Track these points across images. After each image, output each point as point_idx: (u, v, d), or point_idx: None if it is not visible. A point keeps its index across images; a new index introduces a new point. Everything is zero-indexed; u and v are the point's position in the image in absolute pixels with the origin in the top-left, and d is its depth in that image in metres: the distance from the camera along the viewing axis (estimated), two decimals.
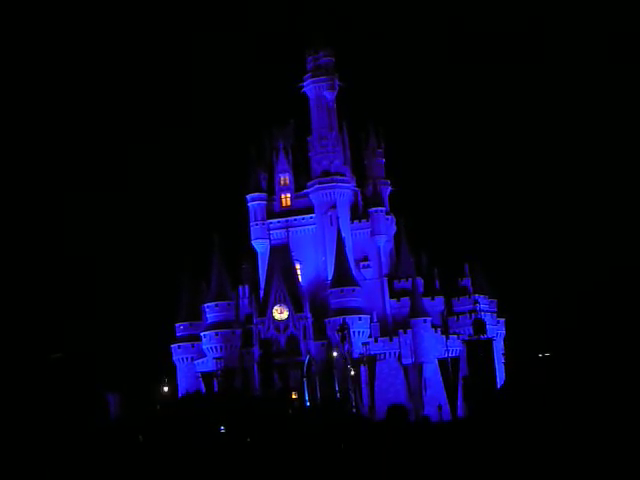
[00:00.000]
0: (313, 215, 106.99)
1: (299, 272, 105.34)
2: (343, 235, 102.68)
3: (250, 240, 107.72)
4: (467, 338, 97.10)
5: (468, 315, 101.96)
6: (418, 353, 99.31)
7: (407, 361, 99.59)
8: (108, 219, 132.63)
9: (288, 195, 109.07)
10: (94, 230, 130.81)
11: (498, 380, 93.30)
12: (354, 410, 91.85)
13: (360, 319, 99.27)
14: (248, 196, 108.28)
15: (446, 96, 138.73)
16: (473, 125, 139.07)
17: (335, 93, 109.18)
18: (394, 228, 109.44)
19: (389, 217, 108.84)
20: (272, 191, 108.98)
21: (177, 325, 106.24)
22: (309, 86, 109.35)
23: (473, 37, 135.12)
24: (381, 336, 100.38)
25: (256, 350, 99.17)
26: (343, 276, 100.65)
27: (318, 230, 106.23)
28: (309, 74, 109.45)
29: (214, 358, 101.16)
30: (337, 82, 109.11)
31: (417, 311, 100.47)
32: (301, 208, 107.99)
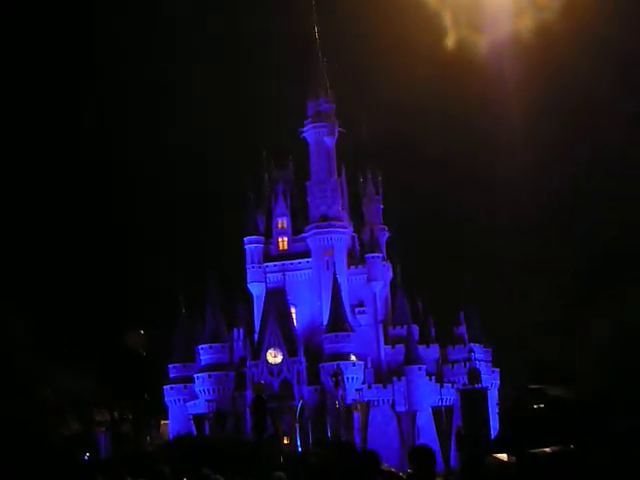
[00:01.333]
0: (310, 259, 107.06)
1: (294, 316, 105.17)
2: (339, 280, 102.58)
3: (246, 282, 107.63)
4: (462, 387, 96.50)
5: (463, 364, 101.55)
6: (412, 401, 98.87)
7: (400, 409, 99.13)
8: (104, 256, 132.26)
9: (285, 239, 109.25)
10: (87, 269, 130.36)
11: (492, 431, 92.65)
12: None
13: (354, 365, 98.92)
14: (245, 239, 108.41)
15: (445, 143, 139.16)
16: (470, 173, 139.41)
17: (335, 139, 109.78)
18: (390, 274, 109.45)
19: (386, 263, 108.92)
20: (269, 234, 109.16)
21: (170, 366, 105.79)
22: (309, 131, 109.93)
23: (466, 86, 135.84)
24: (375, 383, 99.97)
25: (249, 394, 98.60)
26: (338, 321, 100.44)
27: (314, 275, 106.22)
28: (309, 119, 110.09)
29: (206, 400, 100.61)
30: (337, 128, 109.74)
31: (412, 358, 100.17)
32: (298, 252, 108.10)
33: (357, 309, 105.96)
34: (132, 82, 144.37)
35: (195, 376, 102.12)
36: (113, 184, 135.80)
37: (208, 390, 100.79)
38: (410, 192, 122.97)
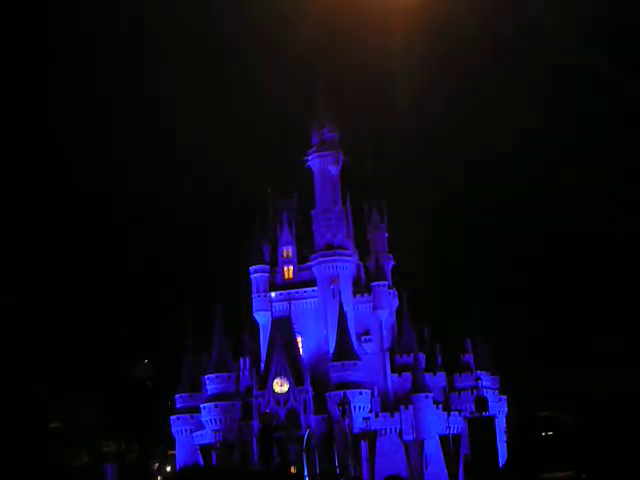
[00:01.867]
0: (315, 288, 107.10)
1: (300, 345, 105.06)
2: (345, 309, 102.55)
3: (252, 311, 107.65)
4: (469, 415, 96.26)
5: (470, 392, 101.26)
6: (419, 429, 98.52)
7: (408, 437, 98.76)
8: (109, 285, 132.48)
9: (291, 267, 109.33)
10: (94, 297, 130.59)
11: (500, 458, 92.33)
12: None
13: (361, 393, 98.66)
14: (251, 268, 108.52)
15: (448, 171, 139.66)
16: (474, 199, 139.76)
17: (339, 167, 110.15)
18: (396, 302, 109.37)
19: (391, 291, 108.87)
20: (275, 263, 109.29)
21: (177, 396, 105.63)
22: (314, 160, 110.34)
23: (475, 112, 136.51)
24: (382, 411, 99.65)
25: (256, 423, 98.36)
26: (344, 350, 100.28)
27: (320, 303, 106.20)
28: (314, 148, 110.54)
29: (213, 431, 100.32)
30: (341, 157, 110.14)
31: (419, 387, 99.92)
32: (303, 281, 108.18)
33: (363, 337, 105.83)
34: (134, 120, 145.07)
35: (202, 406, 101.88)
36: (120, 216, 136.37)
37: (215, 420, 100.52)
38: (415, 220, 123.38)
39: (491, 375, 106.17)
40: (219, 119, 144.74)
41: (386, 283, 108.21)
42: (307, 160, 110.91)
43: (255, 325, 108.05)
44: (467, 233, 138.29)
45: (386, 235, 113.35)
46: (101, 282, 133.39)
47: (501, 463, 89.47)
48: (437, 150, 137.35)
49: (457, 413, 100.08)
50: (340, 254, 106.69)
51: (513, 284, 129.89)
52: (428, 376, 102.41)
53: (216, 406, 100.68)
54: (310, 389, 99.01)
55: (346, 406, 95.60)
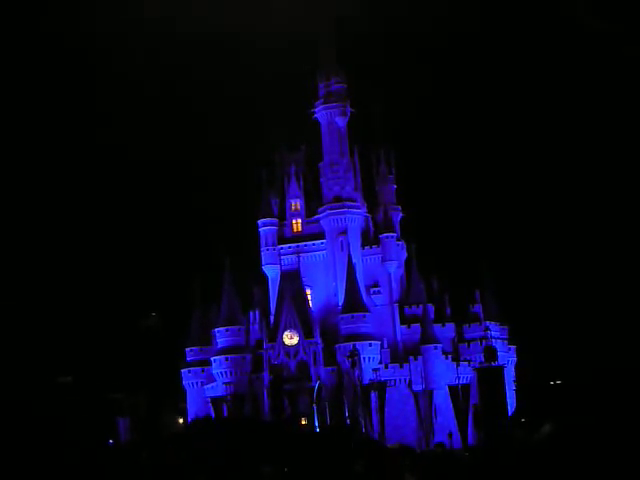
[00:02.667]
0: (324, 241, 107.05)
1: (309, 298, 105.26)
2: (354, 261, 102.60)
3: (261, 265, 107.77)
4: (478, 365, 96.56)
5: (479, 342, 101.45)
6: (428, 380, 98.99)
7: (417, 388, 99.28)
8: (120, 241, 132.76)
9: (299, 221, 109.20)
10: (106, 251, 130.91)
11: (509, 408, 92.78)
12: (364, 436, 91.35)
13: (370, 345, 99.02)
14: (259, 221, 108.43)
15: (457, 121, 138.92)
16: (486, 149, 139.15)
17: (346, 119, 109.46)
18: (405, 254, 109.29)
19: (400, 243, 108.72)
20: (283, 216, 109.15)
21: (187, 349, 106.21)
22: (321, 112, 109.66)
23: (484, 58, 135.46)
24: (391, 362, 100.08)
25: (266, 375, 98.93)
26: (353, 302, 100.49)
27: (329, 256, 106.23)
28: (321, 100, 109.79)
29: (224, 383, 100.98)
30: (349, 108, 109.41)
31: (428, 338, 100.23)
32: (312, 234, 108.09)
33: (372, 289, 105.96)
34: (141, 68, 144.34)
35: (212, 359, 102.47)
36: (129, 167, 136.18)
37: (225, 373, 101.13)
38: (423, 170, 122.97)
39: (500, 325, 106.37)
40: (227, 72, 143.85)
41: (395, 235, 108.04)
42: (314, 112, 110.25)
43: (264, 278, 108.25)
44: (476, 184, 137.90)
45: (394, 187, 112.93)
46: (111, 235, 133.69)
47: (510, 412, 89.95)
48: (446, 98, 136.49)
49: (466, 363, 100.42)
50: (348, 206, 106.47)
51: (522, 234, 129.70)
52: (437, 327, 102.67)
53: (226, 359, 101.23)
54: (320, 341, 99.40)
55: (356, 357, 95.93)
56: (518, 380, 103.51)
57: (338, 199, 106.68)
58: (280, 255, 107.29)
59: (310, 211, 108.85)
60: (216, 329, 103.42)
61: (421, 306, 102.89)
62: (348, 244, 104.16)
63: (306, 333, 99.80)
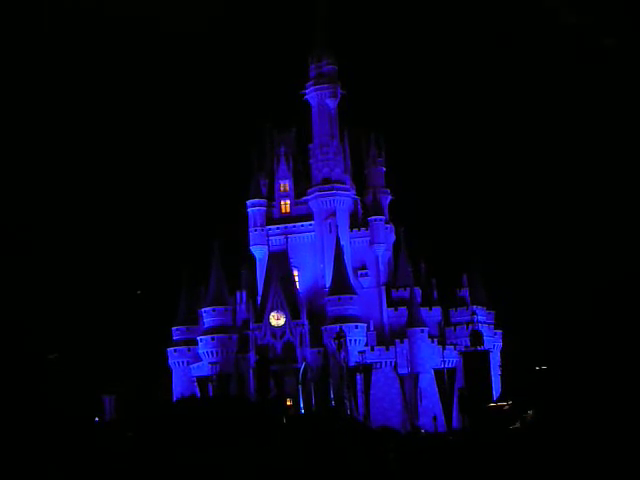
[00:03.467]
0: (312, 222, 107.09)
1: (297, 279, 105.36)
2: (342, 243, 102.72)
3: (249, 246, 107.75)
4: (464, 349, 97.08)
5: (465, 326, 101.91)
6: (414, 363, 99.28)
7: (403, 371, 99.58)
8: (107, 220, 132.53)
9: (288, 202, 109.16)
10: (93, 230, 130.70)
11: (494, 392, 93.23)
12: (349, 418, 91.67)
13: (357, 327, 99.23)
14: (248, 202, 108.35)
15: (448, 105, 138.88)
16: (474, 134, 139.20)
17: (337, 101, 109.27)
18: (393, 237, 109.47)
19: (388, 226, 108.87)
20: (272, 197, 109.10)
21: (174, 329, 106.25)
22: (311, 93, 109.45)
23: (474, 45, 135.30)
24: (378, 345, 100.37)
25: (252, 356, 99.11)
26: (341, 284, 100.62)
27: (317, 237, 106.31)
28: (311, 81, 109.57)
29: (210, 363, 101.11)
30: (339, 90, 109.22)
31: (414, 321, 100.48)
32: (300, 215, 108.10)
33: (360, 272, 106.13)
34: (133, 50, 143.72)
35: (198, 339, 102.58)
36: (118, 149, 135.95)
37: (211, 352, 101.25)
38: (413, 154, 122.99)
39: (486, 310, 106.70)
40: (219, 51, 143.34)
41: (383, 218, 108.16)
42: (305, 93, 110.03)
43: (252, 259, 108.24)
44: (465, 169, 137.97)
45: (384, 169, 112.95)
46: (100, 215, 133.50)
47: (495, 397, 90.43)
48: (438, 83, 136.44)
49: (452, 347, 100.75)
50: (337, 188, 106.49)
51: (510, 220, 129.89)
52: (424, 310, 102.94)
53: (213, 339, 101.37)
54: (306, 322, 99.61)
55: (342, 339, 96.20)
56: (503, 365, 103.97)
57: (327, 181, 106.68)
58: (268, 236, 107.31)
59: (299, 192, 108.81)
60: (203, 309, 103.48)
61: (408, 289, 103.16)
62: (336, 226, 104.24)
63: (293, 314, 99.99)
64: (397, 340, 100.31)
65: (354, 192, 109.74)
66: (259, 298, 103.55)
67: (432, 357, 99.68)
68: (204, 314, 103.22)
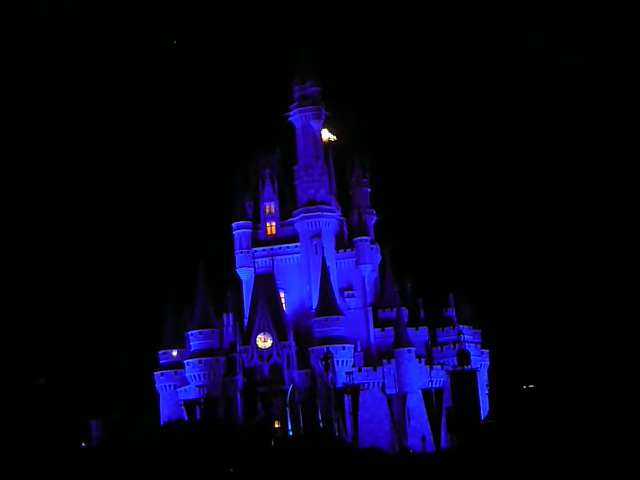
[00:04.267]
0: (298, 244, 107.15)
1: (283, 301, 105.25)
2: (328, 264, 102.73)
3: (235, 268, 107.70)
4: (451, 369, 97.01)
5: (452, 346, 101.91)
6: (402, 383, 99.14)
7: (391, 391, 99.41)
8: (94, 242, 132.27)
9: (273, 224, 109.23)
10: (80, 254, 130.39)
11: (482, 411, 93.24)
12: (337, 440, 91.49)
13: (344, 348, 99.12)
14: (234, 224, 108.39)
15: (431, 125, 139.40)
16: (458, 155, 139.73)
17: (321, 123, 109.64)
18: (379, 257, 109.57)
19: (374, 247, 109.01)
20: (258, 219, 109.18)
21: (160, 352, 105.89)
22: (295, 115, 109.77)
23: (455, 66, 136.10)
24: (365, 366, 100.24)
25: (239, 378, 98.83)
26: (327, 305, 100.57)
27: (303, 259, 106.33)
28: (296, 104, 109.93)
29: (197, 386, 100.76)
30: (323, 112, 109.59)
31: (401, 341, 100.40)
32: (286, 237, 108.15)
33: (346, 292, 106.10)
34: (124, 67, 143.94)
35: (185, 362, 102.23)
36: (105, 167, 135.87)
37: (198, 376, 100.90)
38: (399, 174, 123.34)
39: (473, 329, 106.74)
40: (202, 73, 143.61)
41: (369, 238, 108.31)
42: (289, 115, 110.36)
43: (238, 281, 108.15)
44: (451, 188, 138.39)
45: (369, 190, 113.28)
46: (88, 237, 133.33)
47: (482, 416, 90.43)
48: (422, 103, 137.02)
49: (439, 367, 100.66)
50: (323, 210, 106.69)
51: (496, 239, 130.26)
52: (411, 330, 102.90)
53: (200, 362, 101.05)
54: (293, 344, 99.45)
55: (329, 361, 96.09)
56: (491, 384, 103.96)
57: (312, 202, 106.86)
58: (254, 258, 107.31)
59: (285, 214, 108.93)
60: (190, 332, 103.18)
61: (395, 310, 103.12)
62: (322, 247, 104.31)
63: (280, 336, 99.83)
64: (384, 360, 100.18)
65: (339, 213, 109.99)
66: (246, 320, 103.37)
67: (419, 377, 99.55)
68: (191, 337, 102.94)
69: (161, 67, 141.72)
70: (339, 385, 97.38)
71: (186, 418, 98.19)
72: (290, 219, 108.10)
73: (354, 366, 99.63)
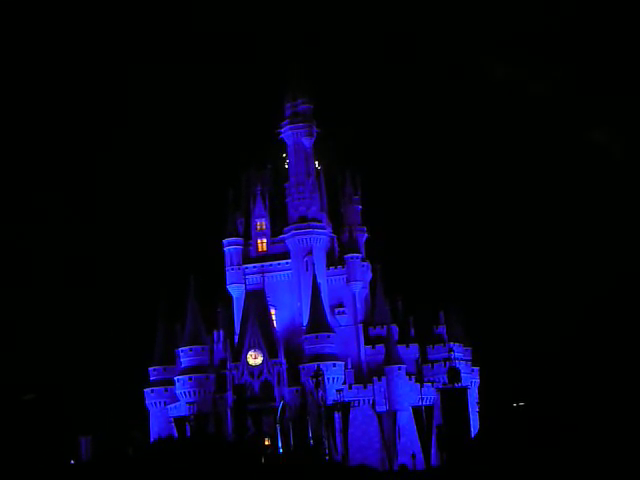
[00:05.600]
0: (289, 261, 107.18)
1: (274, 317, 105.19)
2: (319, 281, 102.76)
3: (226, 285, 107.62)
4: (441, 386, 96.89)
5: (443, 363, 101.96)
6: (392, 401, 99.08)
7: (381, 409, 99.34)
8: (83, 257, 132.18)
9: (264, 240, 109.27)
10: (68, 268, 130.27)
11: (472, 429, 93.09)
12: (327, 457, 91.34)
13: (334, 365, 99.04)
14: (224, 241, 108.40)
15: (422, 144, 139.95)
16: (449, 171, 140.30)
17: (313, 140, 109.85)
18: (370, 275, 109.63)
19: (365, 264, 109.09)
20: (249, 236, 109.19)
21: (150, 369, 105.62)
22: (287, 132, 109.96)
23: (447, 84, 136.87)
24: (355, 383, 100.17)
25: (230, 395, 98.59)
26: (318, 322, 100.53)
27: (294, 276, 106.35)
28: (287, 120, 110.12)
29: (187, 403, 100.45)
30: (315, 129, 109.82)
31: (392, 359, 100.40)
32: (277, 253, 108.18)
33: (337, 309, 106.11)
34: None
35: (175, 379, 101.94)
36: (98, 180, 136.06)
37: (189, 392, 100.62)
38: (389, 192, 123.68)
39: (464, 347, 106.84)
40: (193, 90, 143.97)
41: (360, 255, 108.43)
42: (280, 132, 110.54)
43: (229, 298, 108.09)
44: (441, 206, 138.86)
45: (360, 207, 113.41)
46: (79, 248, 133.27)
47: (473, 434, 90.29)
48: (414, 122, 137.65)
49: (430, 384, 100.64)
50: (314, 227, 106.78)
51: (486, 256, 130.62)
52: (401, 348, 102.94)
53: (190, 378, 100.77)
54: (284, 361, 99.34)
55: (320, 378, 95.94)
56: (481, 401, 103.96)
57: (304, 219, 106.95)
58: (245, 275, 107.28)
59: (276, 231, 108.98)
60: (180, 349, 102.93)
61: (385, 327, 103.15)
62: (313, 264, 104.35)
63: (270, 353, 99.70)
64: (375, 378, 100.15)
65: (330, 230, 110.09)
66: (236, 337, 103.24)
67: (410, 395, 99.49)
68: (181, 354, 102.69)
69: (154, 81, 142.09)
70: (329, 402, 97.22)
71: (176, 435, 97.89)
72: (281, 236, 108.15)
73: (344, 383, 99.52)
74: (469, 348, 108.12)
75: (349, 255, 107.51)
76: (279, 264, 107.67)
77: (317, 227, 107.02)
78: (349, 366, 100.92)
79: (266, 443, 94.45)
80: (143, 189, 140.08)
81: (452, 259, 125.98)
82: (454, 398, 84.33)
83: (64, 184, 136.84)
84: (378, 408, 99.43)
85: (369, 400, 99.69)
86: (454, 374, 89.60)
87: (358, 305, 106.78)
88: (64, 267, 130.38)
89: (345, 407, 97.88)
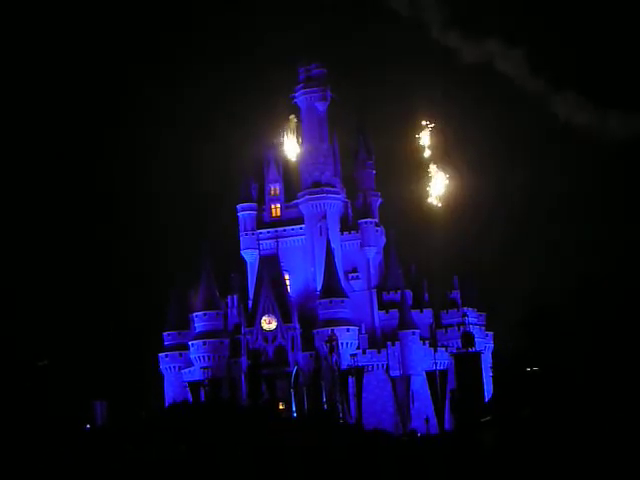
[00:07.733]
0: (303, 226, 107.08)
1: (288, 282, 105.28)
2: (332, 246, 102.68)
3: (240, 250, 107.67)
4: (455, 351, 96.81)
5: (457, 328, 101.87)
6: (406, 365, 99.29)
7: (395, 373, 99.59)
8: (97, 225, 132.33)
9: (278, 205, 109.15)
10: (83, 234, 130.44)
11: (486, 394, 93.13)
12: (341, 421, 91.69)
13: (348, 330, 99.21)
14: (238, 206, 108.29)
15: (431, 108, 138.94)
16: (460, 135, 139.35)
17: (327, 104, 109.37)
18: (384, 240, 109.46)
19: (379, 229, 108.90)
20: (262, 201, 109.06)
21: (165, 334, 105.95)
22: (300, 97, 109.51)
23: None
24: (369, 348, 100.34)
25: (244, 360, 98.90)
26: (332, 287, 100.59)
27: (307, 241, 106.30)
28: (301, 85, 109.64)
29: (201, 368, 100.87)
30: (329, 93, 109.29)
31: (405, 323, 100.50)
32: (291, 219, 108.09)
33: (350, 275, 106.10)
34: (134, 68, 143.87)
35: (190, 343, 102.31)
36: (107, 160, 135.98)
37: (203, 357, 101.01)
38: (403, 157, 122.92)
39: (478, 312, 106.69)
40: (209, 56, 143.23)
41: (373, 220, 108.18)
42: (294, 97, 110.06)
43: (243, 263, 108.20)
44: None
45: (374, 172, 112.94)
46: (90, 218, 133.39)
47: (487, 398, 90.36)
48: None
49: (443, 349, 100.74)
50: (327, 191, 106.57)
51: (501, 221, 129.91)
52: (415, 313, 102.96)
53: (204, 343, 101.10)
54: (298, 326, 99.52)
55: (334, 343, 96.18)
56: (495, 366, 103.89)
57: (317, 184, 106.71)
58: (259, 240, 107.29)
59: (289, 196, 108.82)
60: (194, 314, 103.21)
61: (399, 292, 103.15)
62: (327, 229, 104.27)
63: (284, 318, 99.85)
64: (389, 343, 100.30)
65: (344, 195, 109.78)
66: (250, 302, 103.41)
67: (424, 359, 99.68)
68: (195, 318, 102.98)
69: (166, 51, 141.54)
70: (343, 367, 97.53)
71: (191, 399, 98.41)
72: (295, 201, 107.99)
73: (358, 348, 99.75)
74: (483, 313, 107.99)
75: (363, 220, 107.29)
76: (293, 229, 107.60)
77: (331, 192, 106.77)
78: (363, 331, 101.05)
79: (280, 408, 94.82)
80: (158, 155, 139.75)
81: (466, 222, 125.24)
82: (468, 363, 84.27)
83: (76, 151, 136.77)
84: (392, 373, 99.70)
85: (383, 365, 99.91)
86: (468, 339, 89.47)
87: (372, 270, 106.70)
88: (79, 231, 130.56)
89: (359, 372, 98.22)
